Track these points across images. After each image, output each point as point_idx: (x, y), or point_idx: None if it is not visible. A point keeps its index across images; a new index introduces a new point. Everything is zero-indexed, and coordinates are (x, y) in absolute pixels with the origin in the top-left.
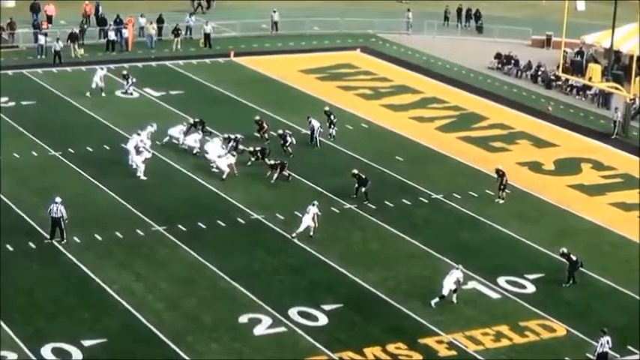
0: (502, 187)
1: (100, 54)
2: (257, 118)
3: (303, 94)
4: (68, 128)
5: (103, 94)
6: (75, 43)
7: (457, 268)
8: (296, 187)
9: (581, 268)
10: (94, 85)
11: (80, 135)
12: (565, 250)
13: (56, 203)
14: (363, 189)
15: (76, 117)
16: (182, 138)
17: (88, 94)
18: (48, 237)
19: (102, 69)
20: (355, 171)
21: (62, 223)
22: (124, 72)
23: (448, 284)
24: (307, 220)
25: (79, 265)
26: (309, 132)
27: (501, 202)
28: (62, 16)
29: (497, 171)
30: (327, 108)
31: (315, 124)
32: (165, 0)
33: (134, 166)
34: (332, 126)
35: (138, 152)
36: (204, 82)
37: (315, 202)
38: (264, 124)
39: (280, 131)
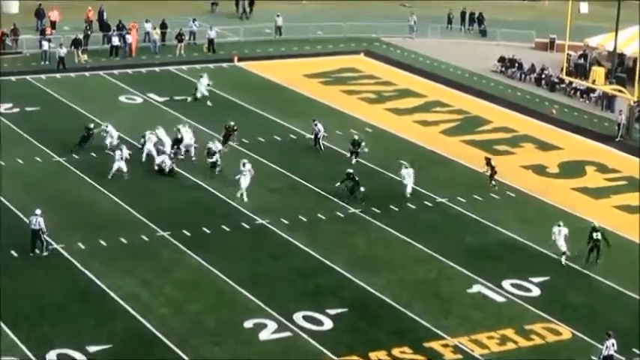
0: (493, 174)
1: (104, 59)
2: (231, 123)
3: (306, 98)
4: (72, 134)
5: (209, 103)
6: (78, 49)
7: (559, 225)
8: (300, 191)
9: (587, 270)
10: (199, 95)
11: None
12: (596, 226)
13: (36, 215)
14: (344, 186)
15: (79, 123)
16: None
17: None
18: (41, 249)
19: (202, 76)
20: (350, 171)
21: (41, 235)
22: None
23: (561, 242)
24: (409, 181)
25: (83, 271)
26: (312, 136)
27: (496, 188)
28: (65, 22)
29: (486, 158)
30: (356, 136)
31: (320, 128)
32: (172, 1)
33: (157, 161)
34: (354, 155)
35: (159, 153)
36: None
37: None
38: (234, 133)
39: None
